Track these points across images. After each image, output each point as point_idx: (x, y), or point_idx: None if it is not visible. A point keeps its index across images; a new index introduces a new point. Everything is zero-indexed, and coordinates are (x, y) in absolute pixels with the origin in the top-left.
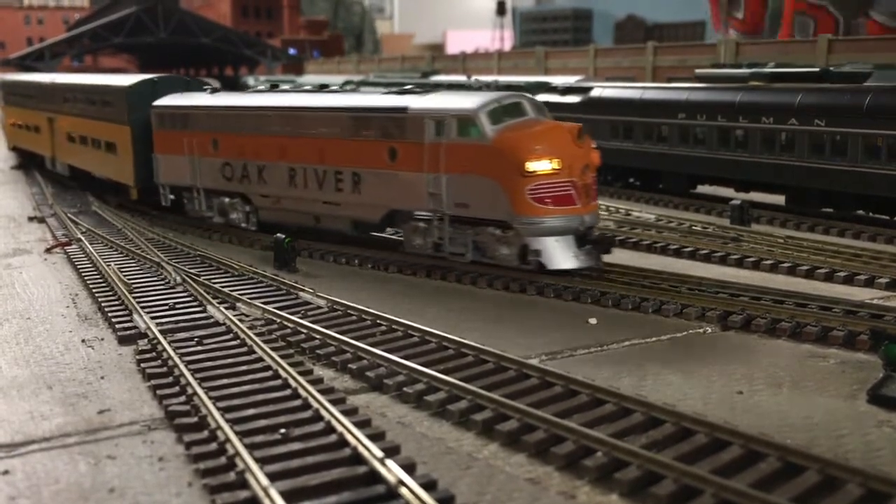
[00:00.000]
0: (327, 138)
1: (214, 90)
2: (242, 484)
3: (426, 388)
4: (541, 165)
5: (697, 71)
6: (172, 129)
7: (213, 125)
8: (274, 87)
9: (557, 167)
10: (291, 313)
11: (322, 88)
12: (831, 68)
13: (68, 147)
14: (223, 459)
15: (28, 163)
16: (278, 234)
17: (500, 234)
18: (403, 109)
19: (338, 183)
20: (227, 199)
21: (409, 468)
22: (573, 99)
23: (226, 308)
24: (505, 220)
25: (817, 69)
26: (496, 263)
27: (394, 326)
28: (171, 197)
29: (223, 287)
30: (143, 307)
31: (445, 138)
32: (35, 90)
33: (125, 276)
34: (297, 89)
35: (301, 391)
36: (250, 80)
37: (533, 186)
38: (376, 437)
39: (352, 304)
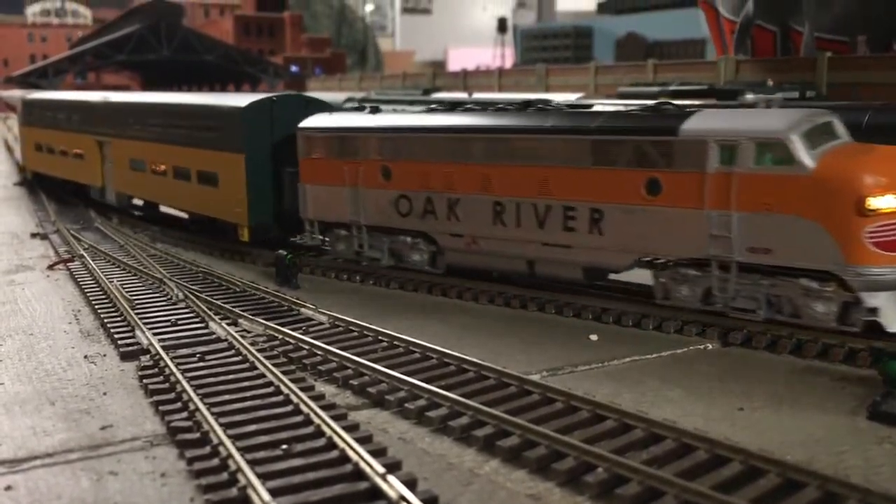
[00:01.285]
0: (554, 167)
1: (374, 108)
2: (244, 500)
3: (428, 404)
4: (885, 202)
5: (619, 89)
6: (326, 155)
7: (383, 151)
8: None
9: None
10: (293, 329)
11: (528, 105)
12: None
13: (132, 177)
14: (225, 475)
15: (36, 187)
16: (280, 251)
17: (815, 287)
18: (672, 130)
19: (567, 221)
20: (404, 239)
21: (411, 484)
22: None
23: (228, 324)
24: (827, 269)
25: (705, 86)
26: (792, 322)
27: (395, 342)
28: (320, 236)
29: (225, 303)
30: (145, 323)
31: (738, 167)
32: (77, 110)
33: (127, 292)
34: (497, 106)
35: (303, 407)
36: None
37: (874, 228)
38: (378, 453)
39: (353, 321)
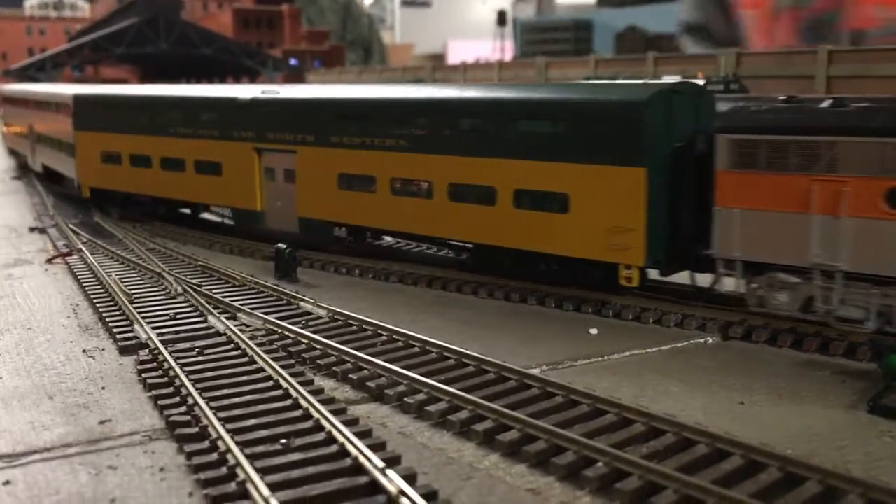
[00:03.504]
0: None
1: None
2: (243, 494)
3: (427, 398)
4: None
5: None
6: (773, 168)
7: (886, 165)
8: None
9: None
10: (292, 323)
11: None
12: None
13: (347, 199)
14: (224, 470)
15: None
16: (279, 244)
17: None
18: None
19: None
20: None
21: (410, 479)
22: None
23: (227, 318)
24: None
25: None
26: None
27: (395, 337)
28: (745, 280)
29: (224, 297)
30: (143, 317)
31: None
32: (208, 108)
33: (126, 286)
34: None
35: (302, 401)
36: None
37: None
38: (377, 448)
39: (353, 315)
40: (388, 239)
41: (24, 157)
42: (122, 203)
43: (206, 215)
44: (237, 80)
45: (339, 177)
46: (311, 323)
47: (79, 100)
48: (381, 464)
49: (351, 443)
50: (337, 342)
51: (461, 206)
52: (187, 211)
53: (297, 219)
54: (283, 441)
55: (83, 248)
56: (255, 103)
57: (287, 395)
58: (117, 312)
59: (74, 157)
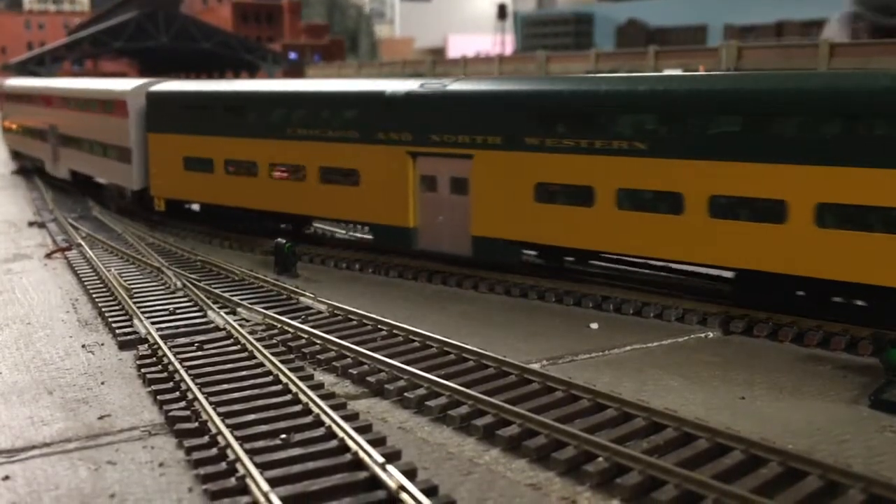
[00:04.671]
0: None
1: None
2: (243, 489)
3: (427, 393)
4: None
5: None
6: None
7: None
8: None
9: None
10: (292, 318)
11: None
12: None
13: (550, 214)
14: (223, 465)
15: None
16: (279, 239)
17: None
18: None
19: None
20: None
21: (410, 474)
22: None
23: (226, 313)
24: None
25: None
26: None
27: (394, 331)
28: None
29: (224, 292)
30: (143, 312)
31: None
32: (332, 105)
33: (125, 281)
34: None
35: (301, 396)
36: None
37: None
38: (377, 443)
39: (352, 309)
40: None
41: (32, 160)
42: (207, 217)
43: (319, 227)
44: (236, 75)
45: (535, 187)
46: (310, 317)
47: (153, 97)
48: (380, 459)
49: (351, 438)
50: (337, 337)
51: (728, 223)
52: (286, 226)
53: (469, 238)
54: (283, 436)
55: (82, 243)
56: (412, 98)
57: (287, 390)
58: (117, 307)
59: (133, 163)
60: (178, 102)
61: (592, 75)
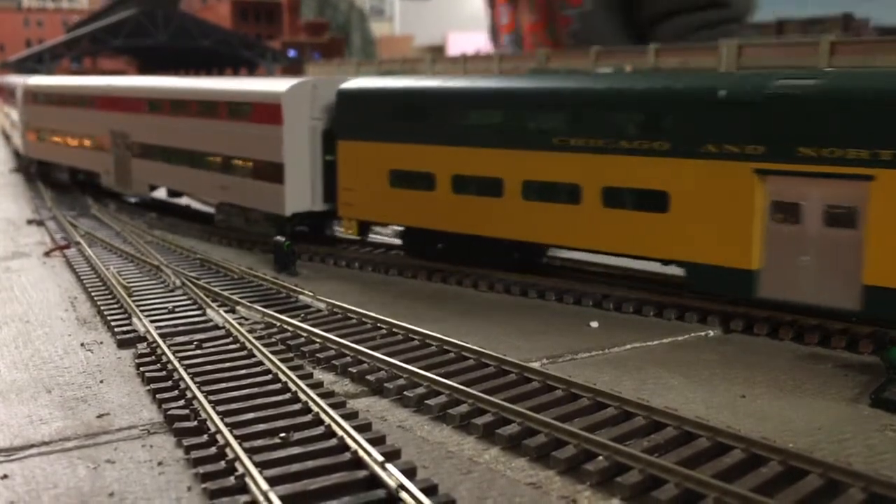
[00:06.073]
0: None
1: None
2: (242, 488)
3: (427, 391)
4: None
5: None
6: None
7: None
8: None
9: None
10: (291, 317)
11: None
12: None
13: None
14: (223, 464)
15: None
16: (278, 237)
17: None
18: None
19: None
20: None
21: (410, 472)
22: None
23: (225, 311)
24: None
25: None
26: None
27: (394, 330)
28: None
29: (223, 290)
30: (142, 310)
31: None
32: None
33: (124, 279)
34: None
35: (301, 395)
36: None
37: None
38: (376, 442)
39: (352, 308)
40: None
41: (73, 171)
42: (423, 248)
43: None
44: (235, 72)
45: None
46: (310, 316)
47: (347, 96)
48: (380, 458)
49: (350, 436)
50: (336, 335)
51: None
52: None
53: (859, 287)
54: (282, 435)
55: (81, 241)
56: (772, 98)
57: (286, 389)
58: (115, 305)
59: (287, 183)
60: (385, 101)
61: None
